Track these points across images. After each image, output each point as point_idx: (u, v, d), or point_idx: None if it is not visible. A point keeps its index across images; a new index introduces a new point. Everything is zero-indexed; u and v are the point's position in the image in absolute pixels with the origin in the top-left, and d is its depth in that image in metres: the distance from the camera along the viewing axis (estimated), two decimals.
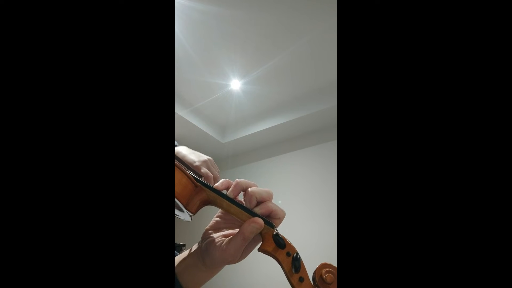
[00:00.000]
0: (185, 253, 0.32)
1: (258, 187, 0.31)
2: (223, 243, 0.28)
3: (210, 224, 0.33)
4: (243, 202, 0.30)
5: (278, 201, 2.39)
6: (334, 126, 2.40)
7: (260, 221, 0.28)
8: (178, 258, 0.31)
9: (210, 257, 0.29)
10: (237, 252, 0.28)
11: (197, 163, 0.39)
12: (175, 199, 0.27)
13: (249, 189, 0.30)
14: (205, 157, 0.43)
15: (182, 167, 0.29)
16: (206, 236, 0.32)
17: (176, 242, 2.41)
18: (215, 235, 0.31)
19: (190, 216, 0.30)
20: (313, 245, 2.08)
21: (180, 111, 2.33)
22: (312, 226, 2.18)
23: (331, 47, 1.81)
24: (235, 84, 2.21)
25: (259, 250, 0.28)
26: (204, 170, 0.41)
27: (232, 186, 0.31)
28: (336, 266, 0.27)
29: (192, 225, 2.81)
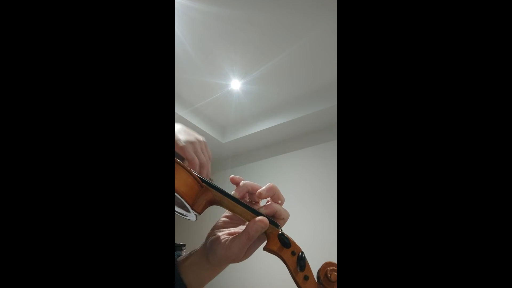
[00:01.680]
0: (189, 253, 0.32)
1: (265, 187, 0.31)
2: (228, 241, 0.29)
3: (217, 223, 0.34)
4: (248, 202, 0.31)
5: (278, 201, 2.38)
6: (334, 126, 2.39)
7: (265, 220, 0.28)
8: (182, 258, 0.32)
9: (214, 254, 0.29)
10: (241, 250, 0.28)
11: (182, 144, 0.32)
12: (182, 199, 0.28)
13: (258, 190, 0.31)
14: (194, 137, 0.34)
15: (188, 167, 0.29)
16: (211, 234, 0.32)
17: (177, 242, 2.41)
18: (220, 233, 0.31)
19: (196, 215, 0.30)
20: (312, 244, 2.08)
21: (180, 111, 2.32)
22: (312, 225, 2.18)
23: (331, 47, 1.81)
24: (235, 84, 2.21)
25: (264, 249, 0.29)
26: (190, 154, 0.34)
27: (237, 187, 0.31)
28: None
29: (193, 225, 2.81)
